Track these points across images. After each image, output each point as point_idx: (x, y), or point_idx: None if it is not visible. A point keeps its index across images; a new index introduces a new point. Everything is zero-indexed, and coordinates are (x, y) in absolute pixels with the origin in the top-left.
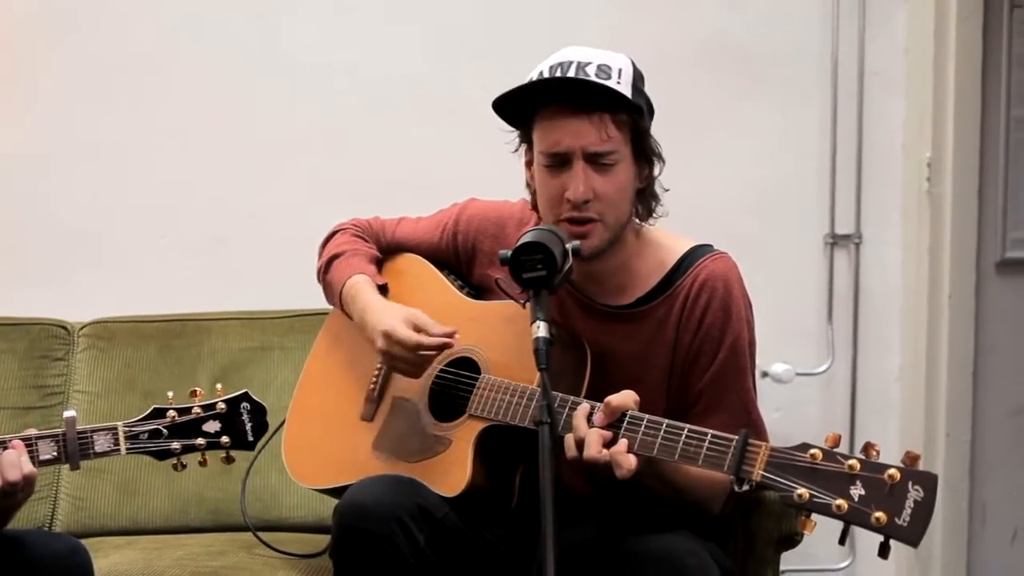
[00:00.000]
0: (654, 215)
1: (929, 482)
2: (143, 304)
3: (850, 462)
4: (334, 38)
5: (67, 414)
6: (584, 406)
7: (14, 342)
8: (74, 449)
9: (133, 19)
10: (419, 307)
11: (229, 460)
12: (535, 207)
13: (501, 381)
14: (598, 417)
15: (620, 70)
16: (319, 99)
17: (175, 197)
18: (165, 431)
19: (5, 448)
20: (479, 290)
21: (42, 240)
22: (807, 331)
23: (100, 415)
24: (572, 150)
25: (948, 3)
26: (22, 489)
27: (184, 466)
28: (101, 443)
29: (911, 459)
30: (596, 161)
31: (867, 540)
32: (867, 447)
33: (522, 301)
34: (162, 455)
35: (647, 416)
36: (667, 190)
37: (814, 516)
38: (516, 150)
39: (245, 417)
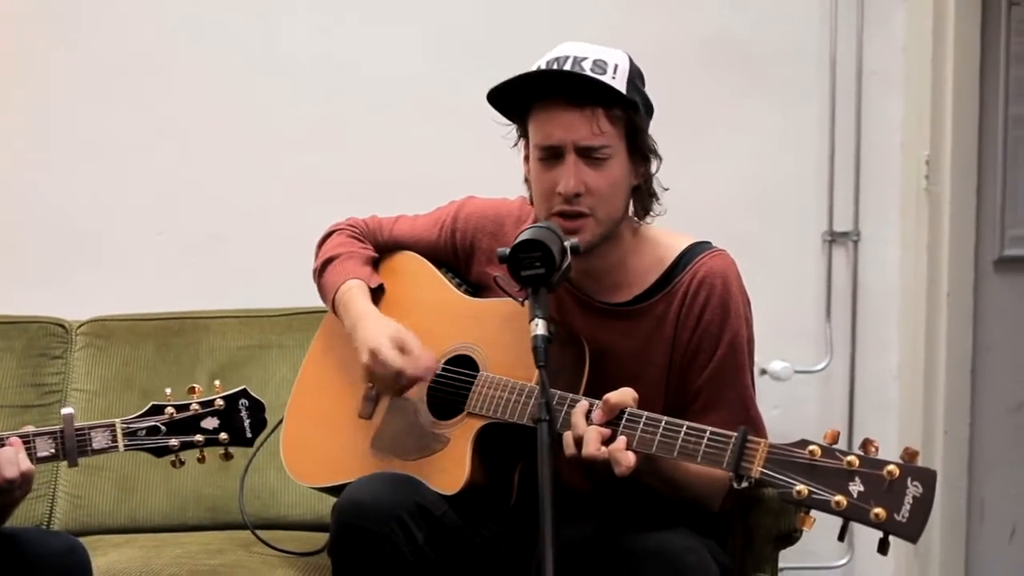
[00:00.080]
0: (652, 213)
1: (928, 478)
2: (141, 302)
3: (849, 458)
4: (333, 37)
5: (65, 411)
6: (583, 403)
7: (12, 340)
8: (72, 446)
9: (132, 19)
10: (416, 305)
11: (227, 457)
12: (533, 202)
13: (499, 378)
14: (597, 414)
15: (616, 66)
16: (318, 98)
17: (173, 195)
18: (163, 428)
19: (2, 445)
20: (477, 288)
21: (40, 238)
22: (806, 329)
23: (98, 413)
24: (564, 143)
25: (946, 2)
26: (20, 486)
27: (182, 463)
28: (99, 440)
29: (910, 455)
30: (588, 155)
31: (866, 537)
32: (866, 443)
33: (521, 299)
34: (160, 452)
35: (646, 413)
36: (667, 189)
37: (813, 513)
38: (515, 144)
39: (243, 413)
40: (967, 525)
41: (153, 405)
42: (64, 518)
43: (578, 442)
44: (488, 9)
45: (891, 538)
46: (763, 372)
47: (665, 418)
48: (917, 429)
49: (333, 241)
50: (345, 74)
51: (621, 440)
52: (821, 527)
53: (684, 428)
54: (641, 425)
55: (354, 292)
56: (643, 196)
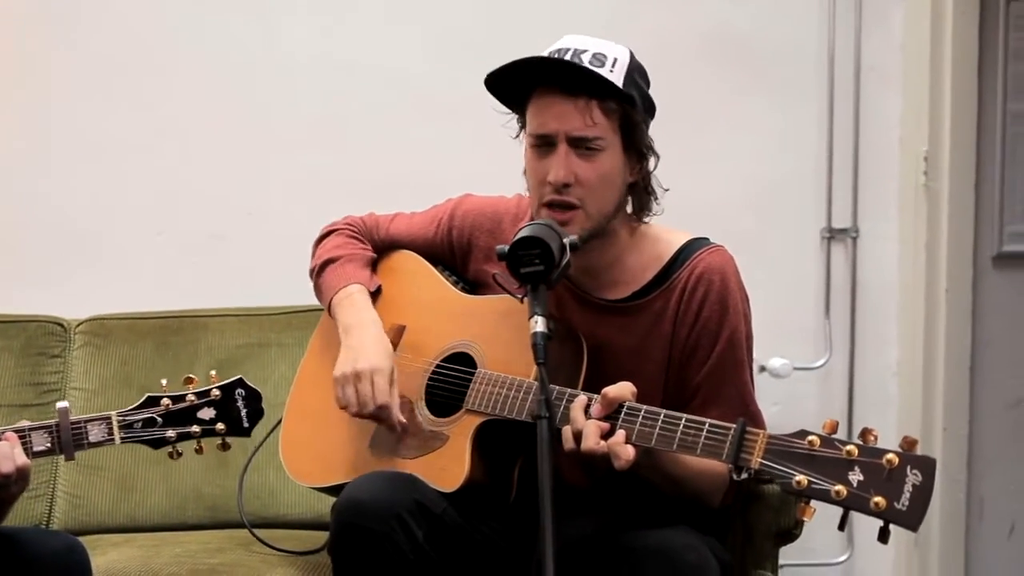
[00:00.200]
0: (649, 212)
1: (927, 466)
2: (140, 301)
3: (848, 448)
4: (333, 37)
5: (60, 404)
6: (581, 398)
7: (10, 339)
8: (68, 439)
9: (132, 19)
10: (414, 303)
11: (225, 447)
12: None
13: (497, 375)
14: (595, 409)
15: (615, 60)
16: (318, 97)
17: (172, 195)
18: (160, 419)
19: None
20: (474, 285)
21: (39, 237)
22: (805, 326)
23: (96, 412)
24: (556, 133)
25: None
26: (16, 481)
27: (180, 454)
28: (95, 433)
29: (909, 444)
30: (580, 146)
31: (866, 534)
32: (864, 433)
33: (520, 296)
34: (157, 443)
35: (644, 407)
36: (667, 190)
37: (813, 503)
38: (517, 136)
39: (240, 403)
40: (966, 521)
41: (149, 397)
42: (63, 517)
43: (577, 437)
44: (488, 8)
45: (891, 529)
46: (762, 369)
47: (664, 411)
48: (916, 425)
49: (332, 242)
50: (344, 73)
51: (620, 434)
52: (821, 525)
53: (683, 421)
54: (640, 418)
55: (355, 297)
56: (640, 194)
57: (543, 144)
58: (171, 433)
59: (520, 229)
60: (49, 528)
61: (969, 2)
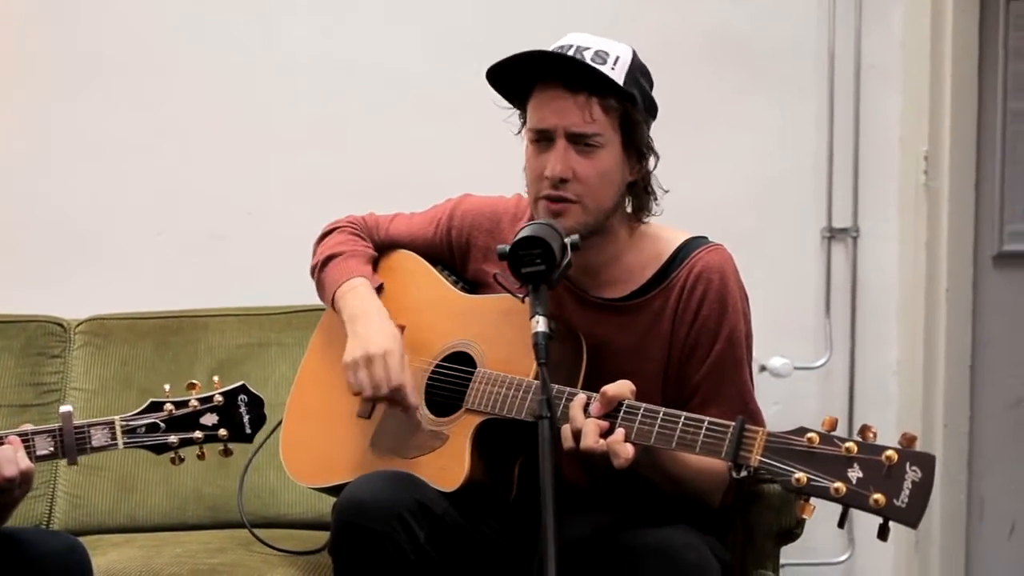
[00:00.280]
0: (648, 212)
1: (927, 463)
2: (140, 301)
3: (847, 445)
4: (333, 37)
5: (63, 409)
6: (580, 396)
7: (10, 339)
8: (71, 444)
9: (132, 18)
10: (413, 303)
11: (227, 453)
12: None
13: (497, 374)
14: (594, 407)
15: (617, 58)
16: (318, 97)
17: (172, 194)
18: (162, 425)
19: (1, 444)
20: (473, 285)
21: (38, 237)
22: (805, 325)
23: (97, 412)
24: (555, 128)
25: None
26: (19, 485)
27: (182, 460)
28: (98, 438)
29: (908, 440)
30: (578, 142)
31: (867, 533)
32: (864, 429)
33: (521, 296)
34: (160, 449)
35: (643, 405)
36: (667, 191)
37: (813, 500)
38: (518, 132)
39: (243, 409)
40: (967, 521)
41: (152, 402)
42: (63, 517)
43: (576, 435)
44: (488, 8)
45: (892, 527)
46: (763, 368)
47: (663, 409)
48: (917, 425)
49: (334, 238)
50: (344, 72)
51: (619, 432)
52: (821, 524)
53: (682, 419)
54: (639, 417)
55: (360, 288)
56: (639, 193)
57: (542, 139)
58: (174, 439)
59: (521, 229)
60: (49, 528)
61: (969, 1)
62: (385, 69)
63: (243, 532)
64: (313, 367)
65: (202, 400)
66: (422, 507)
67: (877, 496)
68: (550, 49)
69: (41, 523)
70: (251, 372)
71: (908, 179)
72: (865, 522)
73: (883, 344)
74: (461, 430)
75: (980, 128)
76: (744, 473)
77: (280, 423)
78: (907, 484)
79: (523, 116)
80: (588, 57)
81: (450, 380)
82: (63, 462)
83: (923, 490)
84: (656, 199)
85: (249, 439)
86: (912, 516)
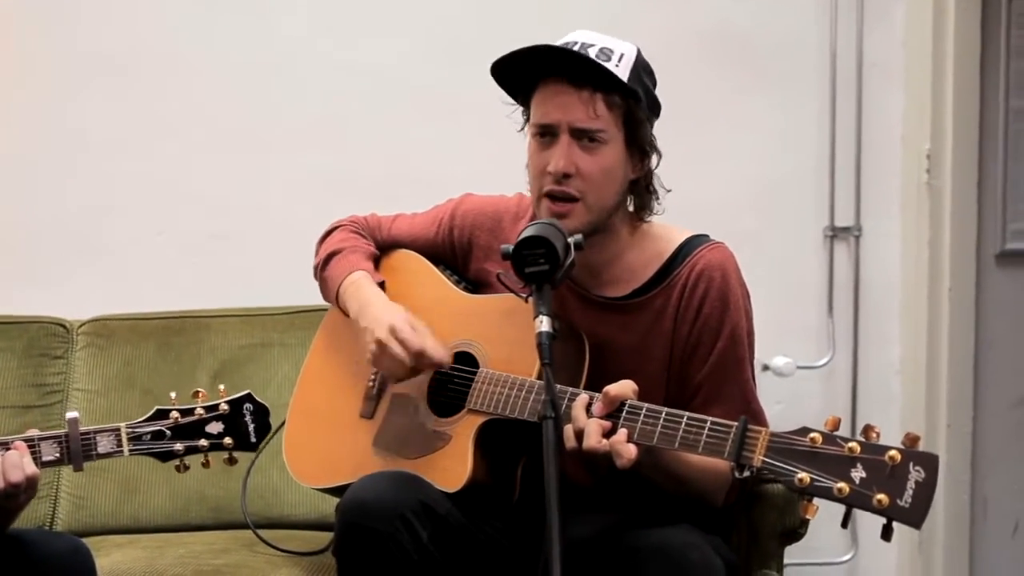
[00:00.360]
0: (650, 211)
1: (930, 463)
2: (142, 302)
3: (850, 445)
4: (333, 35)
5: (70, 415)
6: (583, 396)
7: (13, 340)
8: (77, 450)
9: (132, 16)
10: (415, 303)
11: (232, 461)
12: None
13: (500, 374)
14: (597, 407)
15: (622, 55)
16: (318, 96)
17: (173, 194)
18: (168, 432)
19: (7, 449)
20: (475, 285)
21: (40, 238)
22: (807, 324)
23: (99, 413)
24: (559, 123)
25: None
26: (24, 491)
27: (187, 467)
28: (104, 444)
29: (911, 440)
30: (582, 138)
31: (870, 533)
32: (867, 429)
33: (524, 296)
34: (165, 456)
35: (646, 405)
36: (669, 191)
37: (816, 500)
38: (521, 128)
39: (248, 418)
40: (970, 521)
41: (158, 409)
42: (67, 519)
43: (579, 435)
44: (489, 8)
45: (895, 527)
46: (765, 368)
47: (666, 409)
48: (920, 424)
49: (336, 236)
50: (344, 71)
51: (622, 432)
52: (825, 524)
53: (685, 419)
54: (642, 417)
55: (362, 281)
56: (641, 192)
57: (545, 134)
58: (179, 446)
59: (525, 228)
60: (53, 530)
61: None
62: (385, 69)
63: (246, 533)
64: (316, 367)
65: (208, 408)
66: (425, 507)
67: (880, 496)
68: (556, 44)
69: (44, 524)
70: (254, 373)
71: (910, 178)
72: (869, 522)
73: (886, 343)
74: (464, 430)
75: (982, 126)
76: (747, 473)
77: (283, 424)
78: (911, 484)
79: (526, 113)
80: (593, 54)
81: (453, 380)
82: (68, 466)
83: (927, 490)
84: (658, 198)
85: (254, 448)
86: (916, 516)
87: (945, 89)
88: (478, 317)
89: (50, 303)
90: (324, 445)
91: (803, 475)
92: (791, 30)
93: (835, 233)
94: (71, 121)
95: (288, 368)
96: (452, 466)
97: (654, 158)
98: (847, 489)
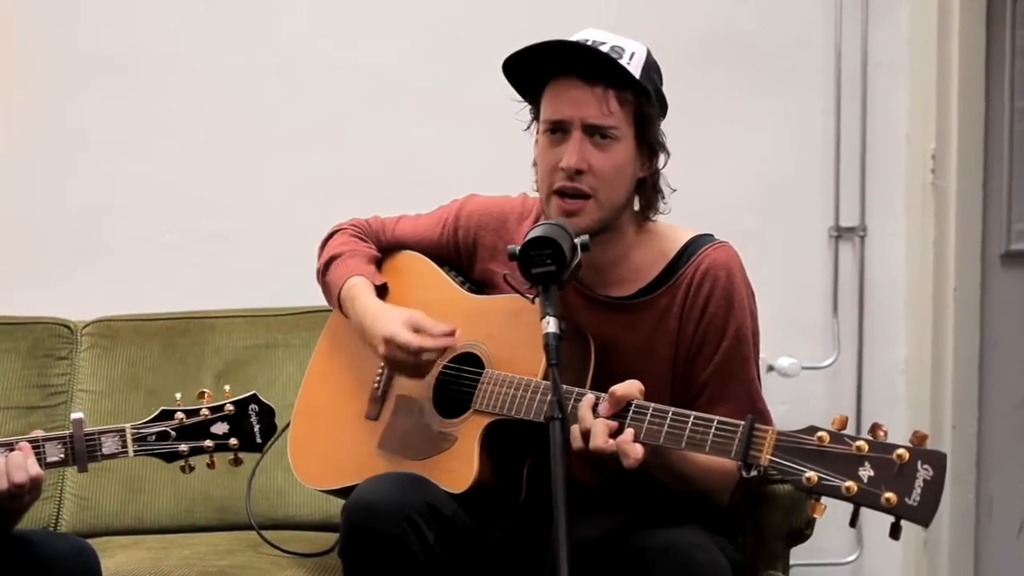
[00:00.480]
0: (656, 210)
1: (938, 461)
2: (146, 302)
3: (858, 443)
4: (333, 35)
5: (74, 416)
6: (589, 396)
7: (17, 341)
8: (81, 451)
9: (132, 16)
10: (420, 304)
11: (237, 462)
12: (538, 185)
13: (505, 375)
14: (603, 407)
15: (633, 53)
16: (318, 96)
17: (178, 196)
18: (173, 433)
19: (12, 450)
20: (480, 285)
21: (44, 239)
22: (812, 325)
23: (104, 414)
24: (572, 119)
25: None
26: (29, 491)
27: (192, 468)
28: (109, 445)
29: (919, 439)
30: (594, 134)
31: (875, 533)
32: (874, 428)
33: (531, 296)
34: (170, 457)
35: (652, 404)
36: (674, 190)
37: (823, 499)
38: (528, 127)
39: (253, 419)
40: (975, 521)
41: (163, 410)
42: (71, 519)
43: (585, 435)
44: (490, 8)
45: (902, 524)
46: (770, 368)
47: (672, 409)
48: (925, 424)
49: (336, 240)
50: (345, 71)
51: (628, 432)
52: (830, 524)
53: (691, 418)
54: (648, 416)
55: (359, 288)
56: (648, 191)
57: (557, 130)
58: (184, 447)
59: (532, 229)
60: (57, 530)
61: None
62: (385, 69)
63: (251, 534)
64: (320, 369)
65: (213, 409)
66: (431, 509)
67: (889, 495)
68: (570, 40)
69: (49, 525)
70: (258, 373)
71: (915, 178)
72: (873, 522)
73: (891, 343)
74: (470, 431)
75: (988, 126)
76: (754, 473)
77: (288, 425)
78: (919, 482)
79: (533, 111)
80: (605, 51)
81: (458, 381)
82: (72, 467)
83: (935, 488)
84: (664, 198)
85: (259, 448)
86: (924, 515)
87: (950, 89)
88: (483, 318)
89: (50, 303)
90: (329, 447)
91: (811, 474)
92: (796, 30)
93: (840, 233)
94: (71, 121)
95: (292, 369)
96: (458, 467)
97: (662, 157)
98: (855, 488)
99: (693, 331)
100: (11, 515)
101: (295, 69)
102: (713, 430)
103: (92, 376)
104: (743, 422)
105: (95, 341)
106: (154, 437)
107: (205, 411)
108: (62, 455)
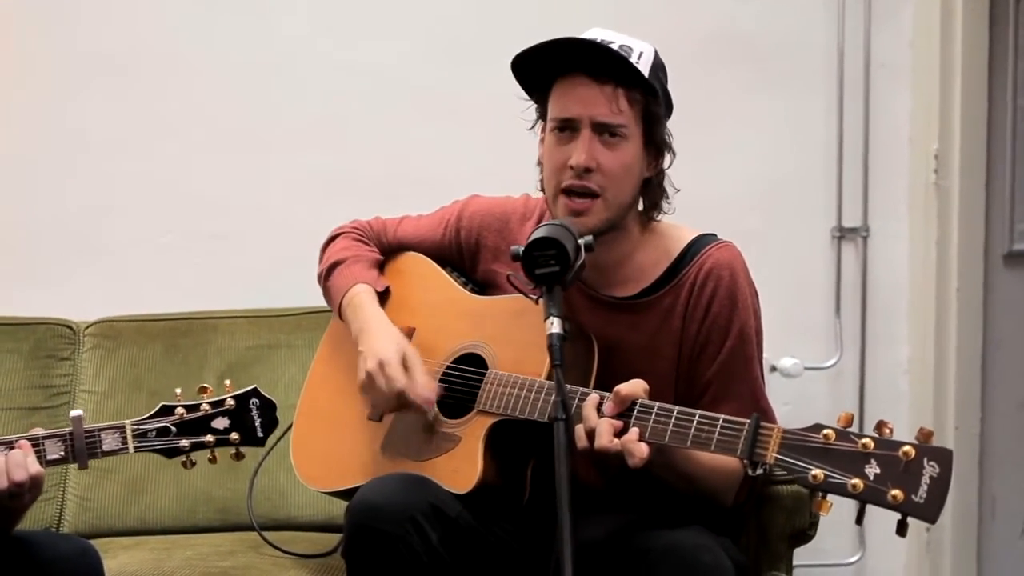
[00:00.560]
0: (660, 211)
1: (944, 457)
2: (147, 303)
3: (864, 441)
4: (333, 35)
5: (74, 413)
6: (593, 396)
7: (20, 342)
8: (81, 448)
9: (132, 16)
10: (423, 305)
11: (239, 457)
12: (543, 188)
13: (509, 375)
14: (608, 406)
15: (641, 53)
16: (318, 96)
17: (180, 196)
18: (174, 428)
19: (12, 448)
20: (482, 286)
21: (45, 239)
22: (815, 325)
23: (106, 415)
24: (581, 118)
25: None
26: (29, 490)
27: (193, 463)
28: (109, 442)
29: (925, 435)
30: (604, 133)
31: (878, 534)
32: (880, 425)
33: (535, 297)
34: (171, 453)
35: (657, 403)
36: (678, 190)
37: (830, 497)
38: (532, 126)
39: (255, 413)
40: (978, 521)
41: (163, 406)
42: (73, 520)
43: (590, 435)
44: (490, 8)
45: (908, 521)
46: (773, 369)
47: (677, 407)
48: (927, 424)
49: (338, 245)
50: (346, 70)
51: (633, 431)
52: (833, 525)
53: (697, 417)
54: (653, 415)
55: (362, 297)
56: (653, 191)
57: (566, 128)
58: (185, 443)
59: (536, 229)
60: (59, 531)
61: None
62: (385, 69)
63: (254, 535)
64: (322, 371)
65: (213, 404)
66: (435, 509)
67: (895, 492)
68: (581, 38)
69: (51, 526)
70: (261, 374)
71: (918, 178)
72: (876, 522)
73: (894, 344)
74: (473, 431)
75: (990, 126)
76: (760, 471)
77: (290, 427)
78: (925, 479)
79: (540, 109)
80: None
81: (461, 382)
82: (73, 465)
83: (941, 485)
84: (668, 198)
85: (261, 443)
86: (931, 511)
87: (953, 89)
88: (486, 319)
89: (50, 303)
90: (332, 448)
91: (817, 471)
92: (799, 30)
93: (843, 234)
94: (71, 121)
95: (295, 369)
96: (462, 467)
97: (667, 157)
98: (861, 485)
99: (697, 331)
100: (12, 514)
101: (295, 69)
102: (718, 428)
103: (94, 377)
104: (748, 420)
105: (97, 342)
106: (154, 433)
107: (206, 406)
108: (62, 452)
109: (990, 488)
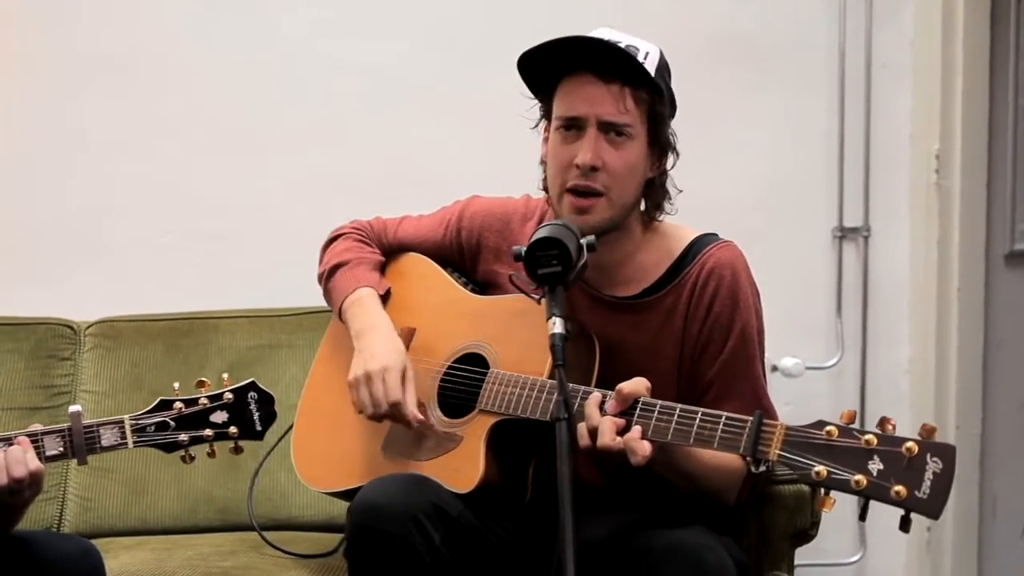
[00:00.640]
0: (662, 211)
1: (947, 453)
2: (147, 303)
3: (867, 437)
4: (333, 35)
5: (72, 408)
6: (596, 394)
7: (20, 342)
8: (80, 443)
9: (132, 16)
10: (424, 305)
11: (237, 450)
12: (546, 188)
13: (510, 375)
14: (610, 405)
15: (647, 53)
16: (318, 96)
17: (180, 196)
18: (172, 423)
19: (11, 444)
20: (483, 286)
21: (45, 239)
22: (816, 325)
23: (107, 415)
24: (587, 116)
25: None
26: (29, 486)
27: (192, 458)
28: (108, 437)
29: (927, 431)
30: (609, 132)
31: (878, 533)
32: (883, 421)
33: (537, 297)
34: (170, 447)
35: (660, 402)
36: (680, 191)
37: (832, 494)
38: (535, 126)
39: (253, 407)
40: (979, 520)
41: (161, 400)
42: (74, 520)
43: (592, 433)
44: (491, 8)
45: (911, 517)
46: (774, 369)
47: (680, 405)
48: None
49: (339, 246)
50: (347, 70)
51: (636, 429)
52: (834, 524)
53: (699, 414)
54: (655, 413)
55: (366, 300)
56: (656, 191)
57: (572, 127)
58: (184, 437)
59: (538, 229)
60: (60, 531)
61: None
62: (385, 69)
63: (254, 535)
64: (322, 371)
65: (212, 398)
66: (437, 509)
67: (898, 488)
68: (589, 36)
69: (51, 526)
70: (261, 374)
71: (919, 178)
72: (877, 522)
73: (895, 343)
74: (475, 431)
75: (992, 126)
76: (763, 468)
77: (291, 427)
78: (928, 475)
79: (544, 108)
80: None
81: (463, 381)
82: (73, 463)
83: (944, 481)
84: (670, 198)
85: (260, 436)
86: (934, 507)
87: (954, 89)
88: (488, 318)
89: (50, 303)
90: (333, 448)
91: (820, 468)
92: (800, 30)
93: (844, 233)
94: (71, 121)
95: (296, 369)
96: (464, 467)
97: (670, 158)
98: (865, 481)
99: (698, 330)
100: (12, 511)
101: (295, 69)
102: (721, 426)
103: (95, 377)
104: (751, 417)
105: (98, 342)
106: (153, 428)
107: (204, 400)
108: (61, 448)
109: (991, 488)
